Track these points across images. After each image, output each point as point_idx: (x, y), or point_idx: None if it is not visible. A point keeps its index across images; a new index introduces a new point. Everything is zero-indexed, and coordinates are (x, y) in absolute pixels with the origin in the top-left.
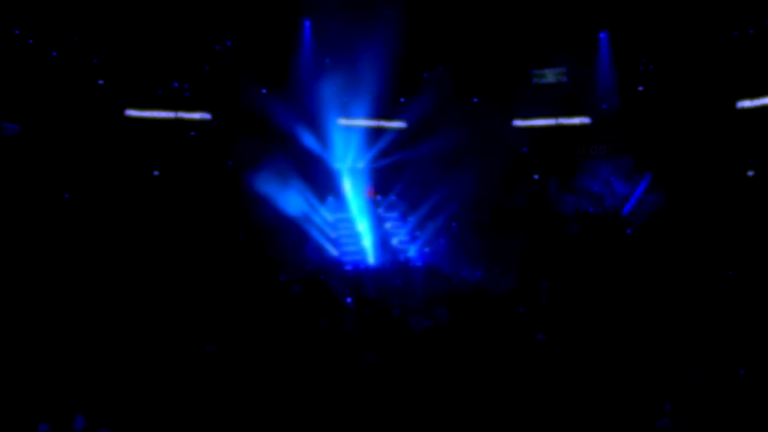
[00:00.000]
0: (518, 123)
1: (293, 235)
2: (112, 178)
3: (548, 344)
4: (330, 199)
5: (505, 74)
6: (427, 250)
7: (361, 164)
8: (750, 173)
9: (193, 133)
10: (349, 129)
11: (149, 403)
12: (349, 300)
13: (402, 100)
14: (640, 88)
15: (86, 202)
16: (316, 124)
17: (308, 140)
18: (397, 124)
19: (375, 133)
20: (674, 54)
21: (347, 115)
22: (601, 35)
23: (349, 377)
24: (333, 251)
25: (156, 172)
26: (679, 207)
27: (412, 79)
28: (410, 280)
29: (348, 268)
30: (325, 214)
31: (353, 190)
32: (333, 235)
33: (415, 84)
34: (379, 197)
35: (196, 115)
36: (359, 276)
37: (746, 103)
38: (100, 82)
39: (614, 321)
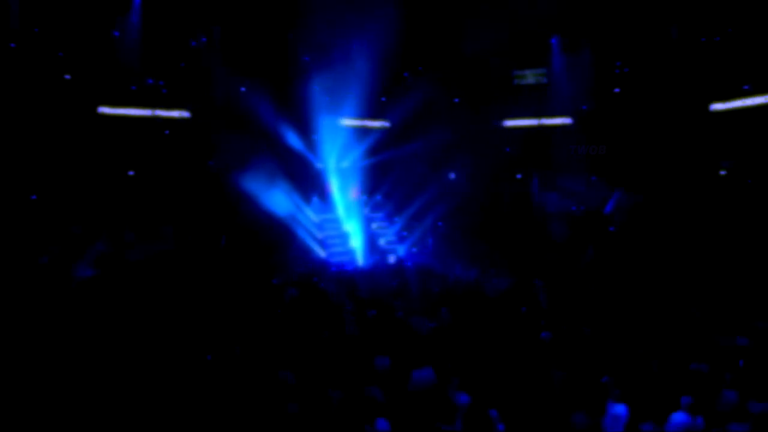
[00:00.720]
0: (500, 123)
1: (280, 236)
2: (84, 179)
3: (555, 343)
4: (315, 199)
5: (487, 75)
6: (414, 250)
7: (346, 164)
8: (722, 173)
9: (168, 132)
10: (333, 128)
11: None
12: (346, 302)
13: (383, 99)
14: (617, 90)
15: (56, 204)
16: (300, 123)
17: (292, 139)
18: (381, 124)
19: (359, 133)
20: (648, 58)
21: (331, 114)
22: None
23: (366, 382)
24: (321, 252)
25: (131, 173)
26: (657, 205)
27: (395, 79)
28: (405, 280)
29: (339, 269)
30: (310, 215)
31: (339, 190)
32: (319, 236)
33: (398, 84)
34: (364, 197)
35: (175, 113)
36: (353, 277)
37: (719, 106)
38: (67, 77)
39: (615, 318)
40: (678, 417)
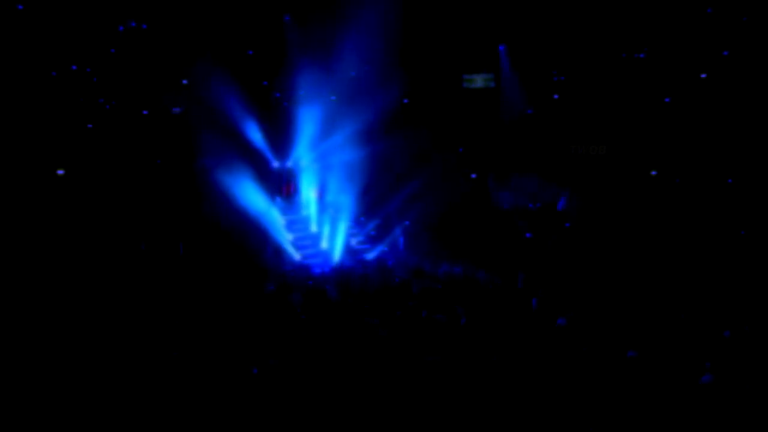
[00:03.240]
0: (452, 125)
1: (252, 239)
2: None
3: (571, 329)
4: (279, 199)
5: (437, 78)
6: (386, 249)
7: (309, 162)
8: (653, 172)
9: (96, 125)
10: (299, 126)
11: None
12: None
13: (333, 98)
14: (555, 96)
15: None
16: (261, 121)
17: (254, 136)
18: (344, 124)
19: (324, 132)
20: (578, 67)
21: (297, 111)
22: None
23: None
24: (296, 255)
25: (61, 171)
26: (598, 202)
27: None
28: (404, 279)
29: (324, 270)
30: (277, 216)
31: (305, 190)
32: (290, 237)
33: (350, 83)
34: (330, 197)
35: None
36: (347, 278)
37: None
38: None
39: (612, 302)
40: (708, 379)
